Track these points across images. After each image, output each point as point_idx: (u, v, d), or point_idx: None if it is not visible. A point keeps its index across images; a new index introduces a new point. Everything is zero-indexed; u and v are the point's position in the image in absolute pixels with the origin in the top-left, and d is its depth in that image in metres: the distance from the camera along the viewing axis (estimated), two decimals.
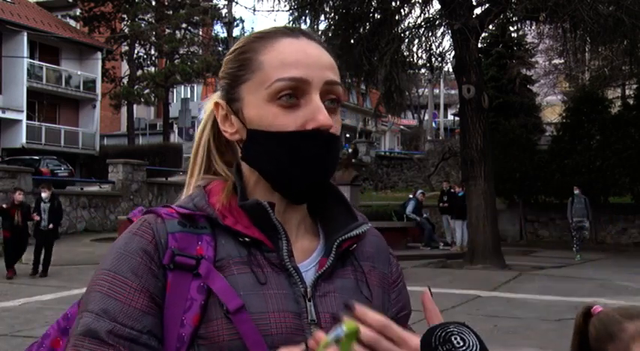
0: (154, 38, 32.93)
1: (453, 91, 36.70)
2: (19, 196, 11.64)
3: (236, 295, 0.91)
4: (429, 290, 0.87)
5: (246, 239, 0.96)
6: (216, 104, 1.02)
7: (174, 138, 37.10)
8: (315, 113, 0.93)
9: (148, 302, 0.90)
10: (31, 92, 28.72)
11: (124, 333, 0.88)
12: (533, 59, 28.03)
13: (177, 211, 0.96)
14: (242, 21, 49.25)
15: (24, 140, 28.37)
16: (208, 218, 0.97)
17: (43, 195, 11.87)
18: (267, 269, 0.95)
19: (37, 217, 11.58)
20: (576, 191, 15.36)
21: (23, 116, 28.38)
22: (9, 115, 27.99)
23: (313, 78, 0.94)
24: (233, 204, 0.98)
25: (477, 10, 14.07)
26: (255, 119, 0.96)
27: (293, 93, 0.94)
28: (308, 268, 0.99)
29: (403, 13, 14.89)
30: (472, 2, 13.87)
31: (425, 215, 18.04)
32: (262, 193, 0.99)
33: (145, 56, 34.98)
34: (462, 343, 0.95)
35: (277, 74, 0.94)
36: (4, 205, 11.92)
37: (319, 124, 0.93)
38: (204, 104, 1.12)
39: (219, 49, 34.56)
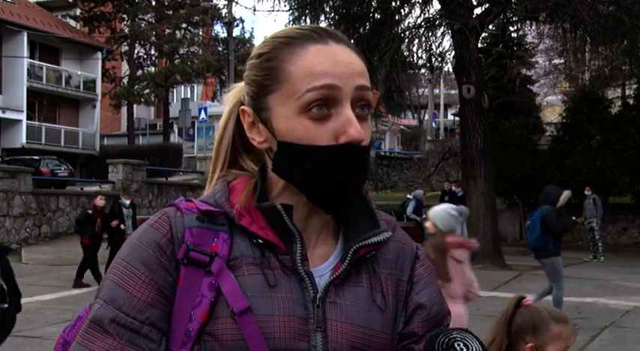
0: (154, 38, 32.91)
1: (453, 91, 36.65)
2: (100, 201, 11.11)
3: (243, 296, 0.91)
4: None
5: (260, 241, 0.95)
6: (243, 111, 1.00)
7: (175, 138, 37.08)
8: (347, 126, 0.91)
9: (154, 295, 0.92)
10: (31, 92, 28.69)
11: (126, 322, 0.90)
12: (533, 59, 28.00)
13: (197, 207, 0.97)
14: (242, 21, 49.17)
15: (24, 140, 28.34)
16: (227, 216, 0.97)
17: (127, 201, 11.57)
18: (278, 272, 0.95)
19: (118, 224, 11.10)
20: (587, 192, 15.13)
21: (23, 116, 28.36)
22: (9, 115, 27.97)
23: (344, 85, 0.92)
24: (252, 204, 0.97)
25: (477, 10, 14.06)
26: (286, 132, 0.94)
27: (324, 103, 0.92)
28: (324, 272, 0.98)
29: (403, 13, 14.89)
30: (472, 2, 13.85)
31: (424, 216, 17.99)
32: (289, 196, 0.98)
33: (145, 56, 34.96)
34: (465, 350, 0.95)
35: (307, 85, 0.92)
36: (90, 211, 11.38)
37: (351, 138, 0.91)
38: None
39: (219, 49, 34.56)
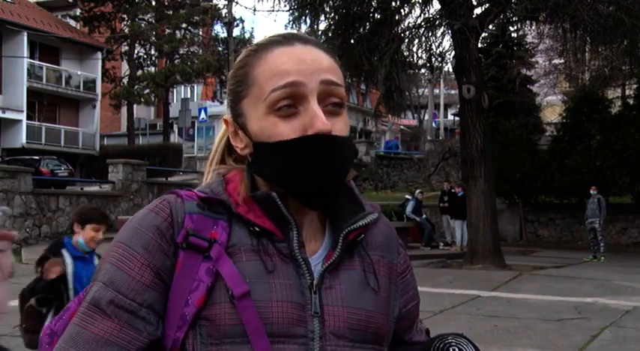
0: (154, 38, 32.91)
1: (453, 91, 36.68)
2: None
3: (243, 281, 0.93)
4: None
5: (257, 229, 0.97)
6: (226, 121, 1.04)
7: (174, 138, 37.09)
8: (313, 119, 0.94)
9: (152, 278, 0.93)
10: (31, 92, 28.72)
11: (125, 304, 0.92)
12: (533, 59, 28.03)
13: (196, 194, 0.99)
14: (242, 21, 49.23)
15: (24, 140, 28.37)
16: (224, 204, 0.99)
17: None
18: (276, 258, 0.97)
19: None
20: (592, 191, 15.07)
21: (23, 116, 28.38)
22: (9, 115, 27.99)
23: (308, 81, 0.95)
24: (247, 195, 1.00)
25: (477, 10, 14.04)
26: (258, 132, 0.97)
27: (291, 103, 0.94)
28: (317, 261, 1.00)
29: (403, 13, 14.87)
30: (472, 2, 13.84)
31: (424, 215, 18.02)
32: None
33: (145, 56, 34.97)
34: None
35: (272, 85, 0.95)
36: None
37: (317, 130, 0.93)
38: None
39: (219, 49, 34.55)
